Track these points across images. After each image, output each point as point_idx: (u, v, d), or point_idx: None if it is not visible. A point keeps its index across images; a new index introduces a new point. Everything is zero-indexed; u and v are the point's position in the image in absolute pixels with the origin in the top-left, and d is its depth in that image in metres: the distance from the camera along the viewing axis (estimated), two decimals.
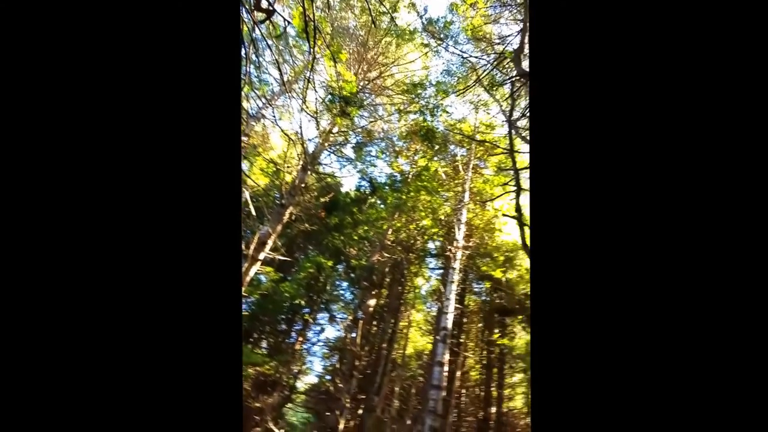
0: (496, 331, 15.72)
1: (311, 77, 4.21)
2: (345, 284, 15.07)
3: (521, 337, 14.99)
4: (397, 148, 14.02)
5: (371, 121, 12.94)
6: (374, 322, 15.00)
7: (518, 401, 17.14)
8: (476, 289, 16.50)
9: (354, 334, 11.55)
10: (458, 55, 9.92)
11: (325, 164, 12.86)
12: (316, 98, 6.61)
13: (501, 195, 11.32)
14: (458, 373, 14.06)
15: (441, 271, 13.87)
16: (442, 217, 12.77)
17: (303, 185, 10.51)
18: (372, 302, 13.10)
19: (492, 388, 15.47)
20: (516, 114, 8.48)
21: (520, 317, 14.13)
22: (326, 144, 11.61)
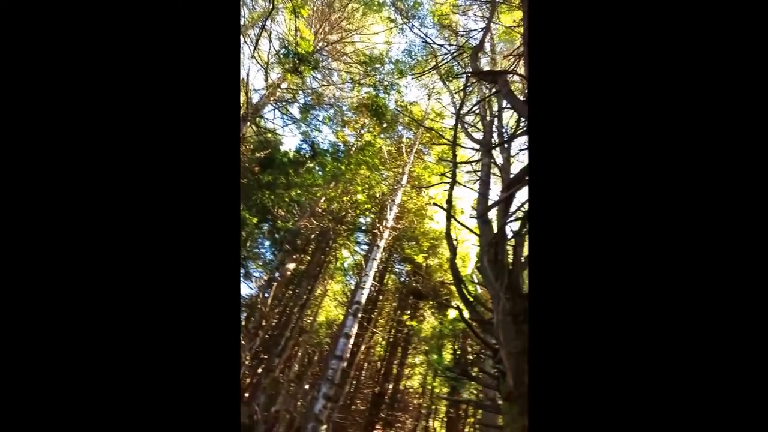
0: (407, 312, 16.23)
1: (269, 26, 4.01)
2: (267, 244, 14.82)
3: (429, 322, 15.59)
4: (345, 118, 13.82)
5: (323, 85, 12.62)
6: (291, 286, 14.93)
7: (415, 381, 17.93)
8: (396, 270, 16.89)
9: (267, 295, 11.44)
10: (421, 38, 9.87)
11: (268, 119, 12.43)
12: (270, 48, 6.31)
13: (437, 184, 11.56)
14: (363, 347, 14.42)
15: (366, 247, 14.03)
16: (377, 195, 12.85)
17: (240, 136, 10.10)
18: (292, 266, 13.00)
19: (393, 366, 16.04)
20: (465, 109, 8.62)
21: (431, 302, 14.68)
22: (272, 98, 11.19)
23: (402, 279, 16.82)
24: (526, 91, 4.17)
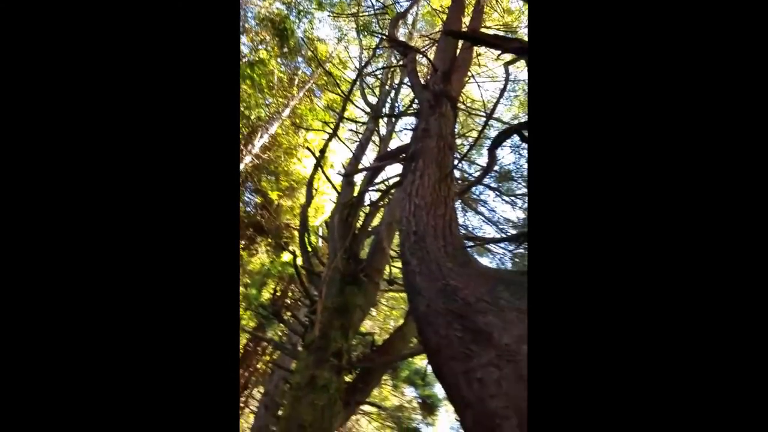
0: (243, 242, 15.89)
1: None
2: None
3: (260, 258, 15.48)
4: (246, 25, 12.69)
5: None
6: None
7: None
8: (246, 198, 16.33)
9: None
10: None
11: None
12: None
13: (317, 130, 11.38)
14: None
15: None
16: (252, 117, 12.15)
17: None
18: None
19: None
20: (369, 69, 8.58)
21: (269, 240, 14.57)
22: None
23: (248, 209, 16.34)
24: (428, 77, 4.31)
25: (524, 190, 7.93)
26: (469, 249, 2.91)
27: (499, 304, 2.06)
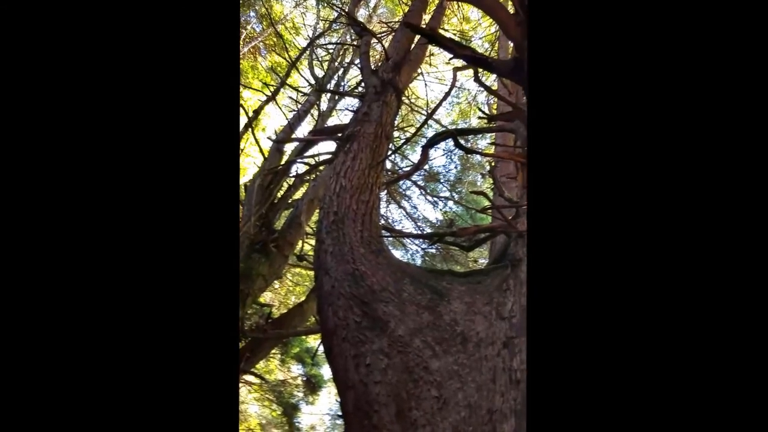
0: None
1: None
2: None
3: None
4: None
5: None
6: None
7: None
8: None
9: None
10: None
11: None
12: None
13: (256, 90, 10.90)
14: None
15: None
16: None
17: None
18: None
19: None
20: (322, 41, 8.38)
21: None
22: None
23: None
24: (379, 64, 4.29)
25: (448, 194, 8.20)
26: (385, 239, 2.95)
27: (402, 297, 2.12)
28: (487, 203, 2.96)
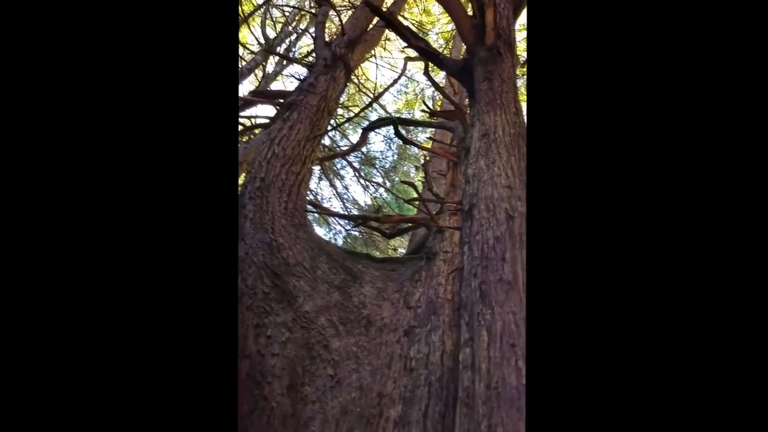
0: None
1: None
2: None
3: None
4: None
5: None
6: None
7: None
8: None
9: None
10: None
11: None
12: None
13: None
14: None
15: None
16: None
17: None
18: None
19: None
20: (277, 1, 8.08)
21: None
22: None
23: None
24: (334, 38, 4.20)
25: (381, 180, 8.24)
26: (309, 215, 2.92)
27: (315, 274, 2.12)
28: (415, 195, 3.02)
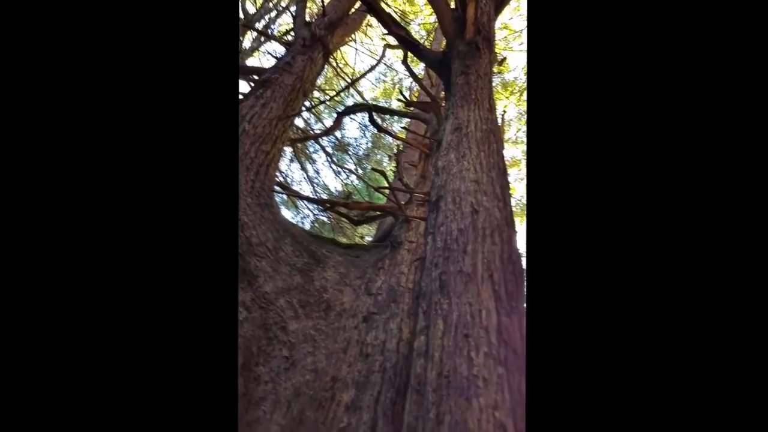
0: None
1: None
2: None
3: None
4: None
5: None
6: None
7: None
8: None
9: None
10: None
11: None
12: None
13: None
14: None
15: None
16: None
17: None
18: None
19: None
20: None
21: None
22: None
23: None
24: (315, 18, 4.13)
25: (353, 166, 8.20)
26: (277, 196, 2.87)
27: (278, 255, 2.10)
28: (385, 183, 3.02)
